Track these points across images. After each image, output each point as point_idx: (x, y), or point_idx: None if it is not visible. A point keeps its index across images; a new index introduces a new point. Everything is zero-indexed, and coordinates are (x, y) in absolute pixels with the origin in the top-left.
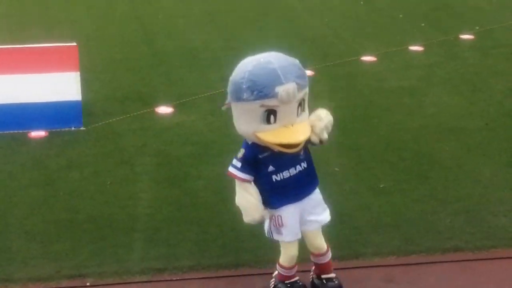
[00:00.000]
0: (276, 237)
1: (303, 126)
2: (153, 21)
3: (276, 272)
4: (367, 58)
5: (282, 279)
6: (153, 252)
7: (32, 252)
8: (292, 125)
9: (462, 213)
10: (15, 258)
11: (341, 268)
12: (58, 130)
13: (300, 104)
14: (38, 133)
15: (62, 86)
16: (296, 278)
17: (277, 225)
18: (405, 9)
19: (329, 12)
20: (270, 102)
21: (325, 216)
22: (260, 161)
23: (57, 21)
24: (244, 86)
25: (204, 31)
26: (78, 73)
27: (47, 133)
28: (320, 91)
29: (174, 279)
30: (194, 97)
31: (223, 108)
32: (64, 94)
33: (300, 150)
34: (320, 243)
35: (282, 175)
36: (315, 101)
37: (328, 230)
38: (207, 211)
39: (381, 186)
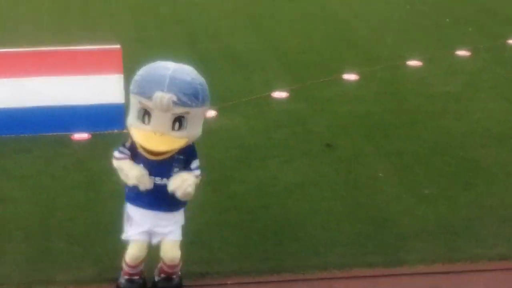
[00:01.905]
0: (124, 236)
1: (172, 140)
2: (196, 24)
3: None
4: (412, 63)
5: (124, 274)
6: (195, 256)
7: (74, 255)
8: (161, 135)
9: (509, 220)
10: (57, 261)
11: (385, 275)
12: (101, 132)
13: (179, 120)
14: (81, 136)
15: (106, 88)
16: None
17: (128, 223)
18: (451, 13)
19: (374, 16)
20: (146, 102)
21: (175, 233)
22: (137, 154)
23: (99, 23)
24: (135, 79)
25: (247, 34)
26: (122, 75)
27: (90, 136)
28: (364, 96)
29: (216, 283)
30: (237, 101)
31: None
32: (107, 96)
33: (174, 164)
34: (173, 255)
35: None
36: (359, 105)
37: (371, 236)
38: (249, 215)
39: (425, 192)
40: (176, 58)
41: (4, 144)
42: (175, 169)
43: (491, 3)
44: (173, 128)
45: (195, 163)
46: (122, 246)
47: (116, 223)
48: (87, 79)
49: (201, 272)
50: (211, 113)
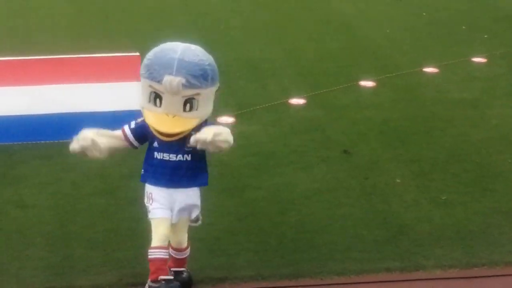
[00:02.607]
0: (149, 215)
1: (185, 120)
2: (213, 32)
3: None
4: (429, 70)
5: (153, 270)
6: (213, 261)
7: (94, 260)
8: (174, 116)
9: None
10: (77, 266)
11: (402, 280)
12: None
13: (190, 101)
14: None
15: (124, 95)
16: (171, 277)
17: (149, 202)
18: (467, 20)
19: (390, 23)
20: (156, 86)
21: (186, 216)
22: (151, 133)
23: (118, 31)
24: (145, 63)
25: (264, 42)
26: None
27: None
28: (381, 102)
29: None
30: (254, 108)
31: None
32: (126, 103)
33: (185, 141)
34: (181, 238)
35: (162, 155)
36: (376, 111)
37: (388, 242)
38: (267, 221)
39: (443, 198)
40: None
41: (24, 151)
42: (188, 145)
43: (507, 10)
44: (184, 110)
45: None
46: (142, 252)
47: (135, 229)
48: (106, 87)
49: (219, 278)
50: (229, 120)
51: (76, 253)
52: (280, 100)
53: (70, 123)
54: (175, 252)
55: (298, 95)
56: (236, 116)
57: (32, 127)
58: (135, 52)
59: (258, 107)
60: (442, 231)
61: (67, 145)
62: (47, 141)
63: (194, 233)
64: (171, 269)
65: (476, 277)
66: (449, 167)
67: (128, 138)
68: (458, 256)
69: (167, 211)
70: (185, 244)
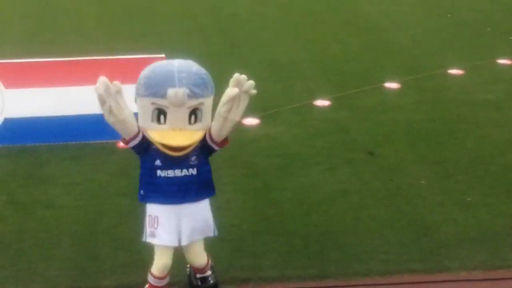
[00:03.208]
0: (149, 239)
1: (192, 133)
2: (238, 34)
3: (147, 286)
4: (454, 71)
5: None
6: (239, 262)
7: (120, 260)
8: (180, 130)
9: None
10: (103, 266)
11: (426, 282)
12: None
13: (194, 112)
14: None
15: None
16: None
17: (153, 226)
18: (493, 22)
19: (415, 25)
20: (160, 101)
21: (201, 231)
22: (151, 151)
23: (143, 33)
24: (142, 82)
25: (289, 43)
26: None
27: None
28: (406, 104)
29: None
30: (279, 109)
31: (135, 102)
32: None
33: (189, 155)
34: (200, 261)
35: (167, 172)
36: (400, 113)
37: (413, 243)
38: (292, 222)
39: (467, 199)
40: (219, 67)
41: (52, 152)
42: (192, 158)
43: None
44: (189, 122)
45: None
46: None
47: None
48: (132, 88)
49: (244, 278)
50: (254, 122)
51: (102, 253)
52: (305, 102)
53: (97, 125)
54: (194, 269)
55: (323, 97)
56: (261, 118)
57: (59, 128)
58: (161, 53)
59: (283, 108)
60: (467, 233)
61: (94, 146)
62: (75, 142)
63: (219, 234)
64: (197, 276)
65: (501, 279)
66: (473, 169)
67: (139, 133)
68: (483, 258)
69: (173, 236)
70: (203, 263)
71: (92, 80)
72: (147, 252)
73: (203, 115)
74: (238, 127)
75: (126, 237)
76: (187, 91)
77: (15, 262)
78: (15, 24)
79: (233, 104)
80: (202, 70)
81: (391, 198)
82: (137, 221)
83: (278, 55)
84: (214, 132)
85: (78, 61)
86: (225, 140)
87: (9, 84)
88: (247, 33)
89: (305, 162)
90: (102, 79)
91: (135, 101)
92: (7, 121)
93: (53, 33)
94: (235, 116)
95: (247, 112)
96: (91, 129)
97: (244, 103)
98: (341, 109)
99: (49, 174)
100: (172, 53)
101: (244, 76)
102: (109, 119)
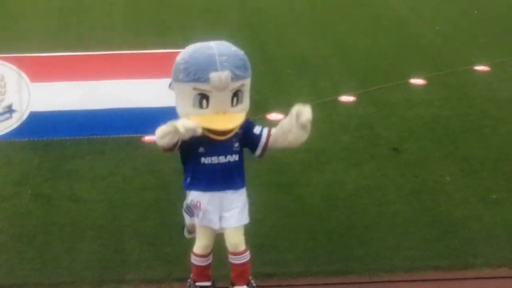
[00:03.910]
0: (189, 220)
1: (235, 116)
2: (264, 29)
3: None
4: (479, 68)
5: (194, 272)
6: (263, 257)
7: (144, 254)
8: (224, 113)
9: None
10: (128, 260)
11: (451, 279)
12: None
13: (236, 94)
14: (152, 137)
15: None
16: (208, 283)
17: (195, 207)
18: None
19: (441, 20)
20: (203, 86)
21: (238, 218)
22: (193, 140)
23: (169, 27)
24: (181, 67)
25: (314, 38)
26: None
27: None
28: (431, 100)
29: (283, 284)
30: (304, 104)
31: (169, 88)
32: None
33: (233, 140)
34: (236, 241)
35: (211, 159)
36: (426, 109)
37: (438, 240)
38: (316, 218)
39: (493, 196)
40: None
41: (77, 146)
42: (235, 144)
43: None
44: (232, 105)
45: (258, 128)
46: (191, 246)
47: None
48: (157, 82)
49: (269, 273)
50: (279, 117)
51: (127, 247)
52: (331, 97)
53: (122, 119)
54: (232, 256)
55: (348, 92)
56: (286, 113)
57: (85, 122)
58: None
59: (308, 104)
60: (492, 230)
61: (119, 140)
62: (100, 136)
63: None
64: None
65: None
66: (499, 166)
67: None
68: (508, 255)
69: (214, 219)
70: (242, 247)
71: (117, 74)
72: (172, 247)
73: (244, 96)
74: (263, 122)
75: (151, 231)
76: (229, 74)
77: (41, 255)
78: (42, 18)
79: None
80: (240, 51)
81: (415, 194)
82: (162, 215)
83: (303, 50)
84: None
85: (103, 55)
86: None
87: (34, 78)
88: (272, 28)
89: (330, 158)
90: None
91: (170, 87)
92: (32, 114)
93: (80, 27)
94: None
95: (272, 107)
96: (116, 123)
97: (303, 136)
98: (366, 105)
99: (74, 168)
100: None
101: (307, 114)
102: (159, 142)
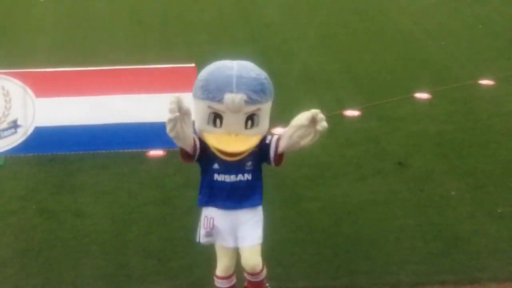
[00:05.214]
0: (204, 240)
1: (248, 139)
2: (269, 44)
3: None
4: (485, 82)
5: None
6: (269, 272)
7: (149, 269)
8: (236, 135)
9: None
10: (132, 275)
11: None
12: (176, 149)
13: (251, 118)
14: (156, 152)
15: None
16: None
17: (209, 226)
18: None
19: (446, 35)
20: (217, 106)
21: (254, 236)
22: (210, 155)
23: (175, 43)
24: (199, 84)
25: (319, 53)
26: None
27: (165, 152)
28: (437, 115)
29: None
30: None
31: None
32: None
33: (247, 159)
34: (253, 263)
35: (223, 176)
36: (431, 124)
37: (444, 254)
38: (322, 233)
39: (498, 211)
40: None
41: (82, 161)
42: (248, 163)
43: None
44: (246, 127)
45: (268, 137)
46: (196, 261)
47: (190, 239)
48: (162, 97)
49: None
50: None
51: (132, 262)
52: (335, 112)
53: (127, 134)
54: (250, 276)
55: (353, 107)
56: None
57: (89, 136)
58: (192, 63)
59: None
60: (498, 244)
61: (123, 154)
62: (104, 151)
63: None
64: None
65: None
66: (505, 180)
67: (195, 142)
68: None
69: (229, 238)
70: (259, 267)
71: (122, 89)
72: (177, 261)
73: (260, 120)
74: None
75: (156, 246)
76: (244, 97)
77: (45, 270)
78: (47, 34)
79: (305, 130)
80: (262, 75)
81: (421, 209)
82: (167, 230)
83: (309, 65)
84: (280, 150)
85: (108, 71)
86: (281, 158)
87: (39, 93)
88: (278, 43)
89: (335, 172)
90: (177, 97)
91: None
92: (37, 130)
93: (85, 42)
94: (306, 143)
95: (277, 122)
96: (121, 138)
97: (316, 137)
98: (371, 119)
99: (79, 183)
100: (202, 63)
101: (322, 116)
102: (170, 133)
